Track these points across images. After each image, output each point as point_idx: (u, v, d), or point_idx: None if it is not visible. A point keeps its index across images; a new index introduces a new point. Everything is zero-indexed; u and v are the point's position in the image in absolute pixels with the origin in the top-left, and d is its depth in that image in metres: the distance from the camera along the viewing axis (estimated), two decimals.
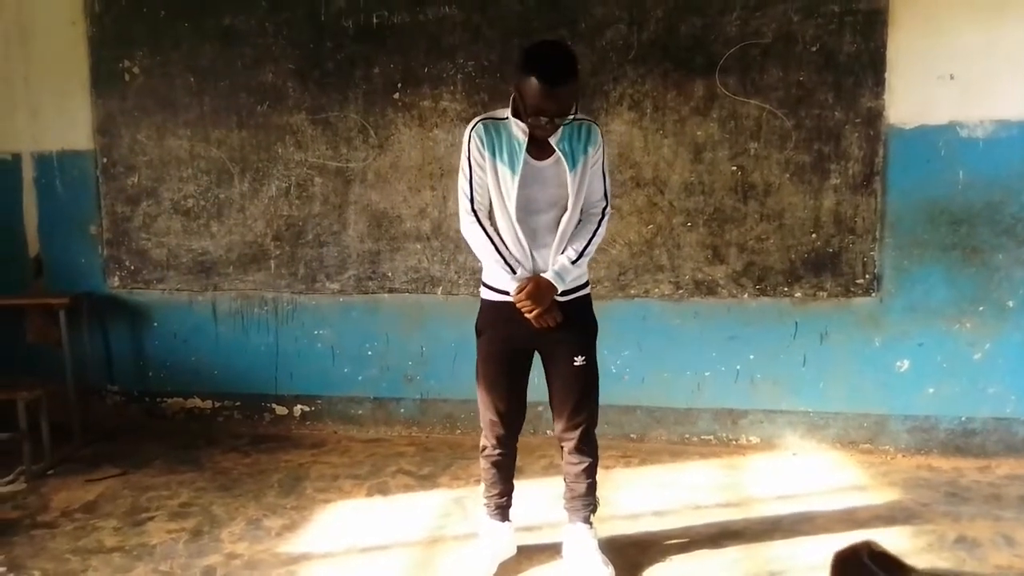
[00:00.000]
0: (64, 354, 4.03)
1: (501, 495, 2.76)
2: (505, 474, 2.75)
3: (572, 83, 2.29)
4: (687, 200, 3.69)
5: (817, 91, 3.54)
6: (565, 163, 2.43)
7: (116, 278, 4.25)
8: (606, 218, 2.59)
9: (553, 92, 2.26)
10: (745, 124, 3.61)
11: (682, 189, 3.69)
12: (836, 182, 3.58)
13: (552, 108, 2.29)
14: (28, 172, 4.25)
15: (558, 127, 2.38)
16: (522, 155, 2.42)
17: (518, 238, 2.48)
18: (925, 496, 3.25)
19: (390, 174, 3.91)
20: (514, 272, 2.49)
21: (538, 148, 2.44)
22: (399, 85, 3.84)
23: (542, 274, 2.49)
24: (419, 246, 3.93)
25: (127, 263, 4.22)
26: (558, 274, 2.49)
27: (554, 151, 2.43)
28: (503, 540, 2.78)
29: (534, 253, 2.51)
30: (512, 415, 2.65)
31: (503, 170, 2.44)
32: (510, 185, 2.44)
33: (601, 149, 2.53)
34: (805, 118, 3.56)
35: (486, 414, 2.67)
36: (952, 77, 3.45)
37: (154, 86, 4.06)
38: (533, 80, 2.25)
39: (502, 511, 2.79)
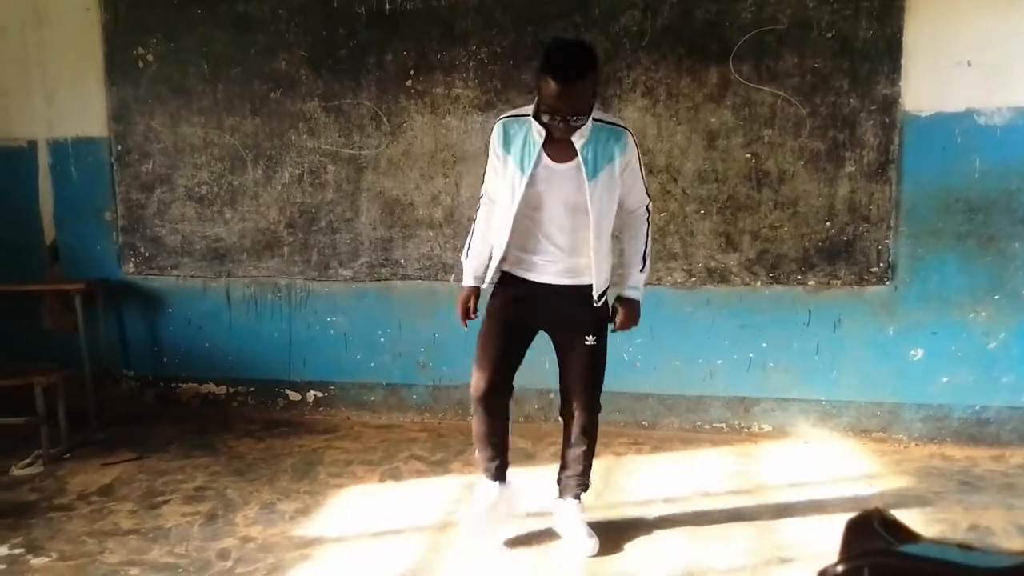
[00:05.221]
0: (80, 339, 4.06)
1: (490, 459, 2.81)
2: (493, 440, 2.77)
3: (584, 80, 2.31)
4: (700, 188, 3.68)
5: (832, 78, 3.51)
6: (584, 171, 2.45)
7: (131, 264, 4.28)
8: (650, 215, 2.70)
9: (563, 89, 2.28)
10: (759, 111, 3.59)
11: (695, 177, 3.68)
12: (851, 170, 3.55)
13: (564, 106, 2.31)
14: (44, 159, 4.27)
15: (573, 128, 2.38)
16: (535, 155, 2.45)
17: (510, 234, 2.53)
18: (938, 485, 3.24)
19: (403, 161, 3.91)
20: (473, 268, 2.70)
21: (559, 150, 2.46)
22: (412, 72, 3.84)
23: (627, 293, 2.66)
24: (431, 233, 3.94)
25: (142, 249, 4.25)
26: (636, 288, 2.66)
27: (575, 156, 2.45)
28: (499, 499, 2.82)
29: (531, 255, 2.58)
30: (502, 376, 2.69)
31: (514, 167, 2.50)
32: (518, 182, 2.49)
33: (634, 154, 2.54)
34: (820, 105, 3.54)
35: (476, 373, 2.70)
36: (969, 64, 3.42)
37: (168, 73, 4.07)
38: (547, 78, 2.29)
39: (495, 471, 2.82)
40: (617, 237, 2.76)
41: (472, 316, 2.72)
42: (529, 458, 3.52)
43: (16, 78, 4.22)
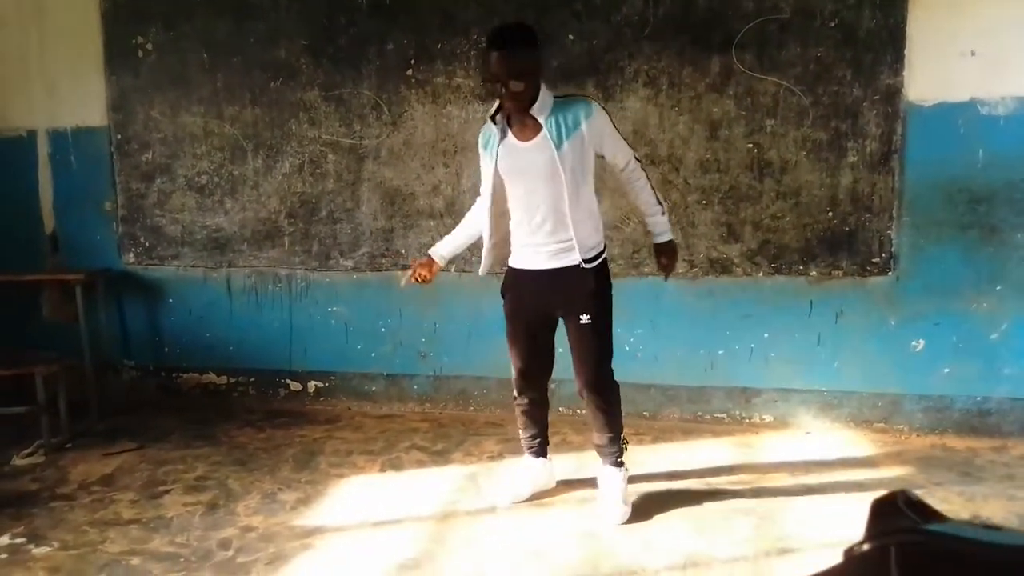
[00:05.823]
0: (81, 329, 4.06)
1: (532, 438, 3.07)
2: (532, 420, 3.05)
3: (519, 48, 2.52)
4: (702, 178, 3.67)
5: (835, 67, 3.49)
6: (551, 140, 2.59)
7: (131, 254, 4.27)
8: (641, 163, 2.82)
9: (499, 55, 2.50)
10: (762, 101, 3.57)
11: (697, 167, 3.66)
12: (853, 160, 3.54)
13: (502, 72, 2.51)
14: (43, 149, 4.26)
15: (518, 96, 2.54)
16: (498, 138, 2.67)
17: (487, 216, 2.78)
18: (939, 475, 3.24)
19: (403, 151, 3.90)
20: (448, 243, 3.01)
21: (524, 132, 2.64)
22: (412, 61, 3.82)
23: (659, 239, 2.88)
24: (432, 223, 3.93)
25: (142, 239, 4.24)
26: (665, 232, 2.88)
27: (537, 133, 2.61)
28: (537, 473, 3.08)
29: (520, 243, 2.75)
30: (530, 368, 2.92)
31: (488, 158, 2.74)
32: (491, 169, 2.72)
33: (600, 117, 2.68)
34: (823, 95, 3.52)
35: (512, 366, 2.96)
36: (973, 53, 3.40)
37: (167, 62, 4.05)
38: (488, 51, 2.55)
39: (537, 449, 3.09)
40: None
41: (413, 280, 2.93)
42: None
43: (15, 68, 4.20)
